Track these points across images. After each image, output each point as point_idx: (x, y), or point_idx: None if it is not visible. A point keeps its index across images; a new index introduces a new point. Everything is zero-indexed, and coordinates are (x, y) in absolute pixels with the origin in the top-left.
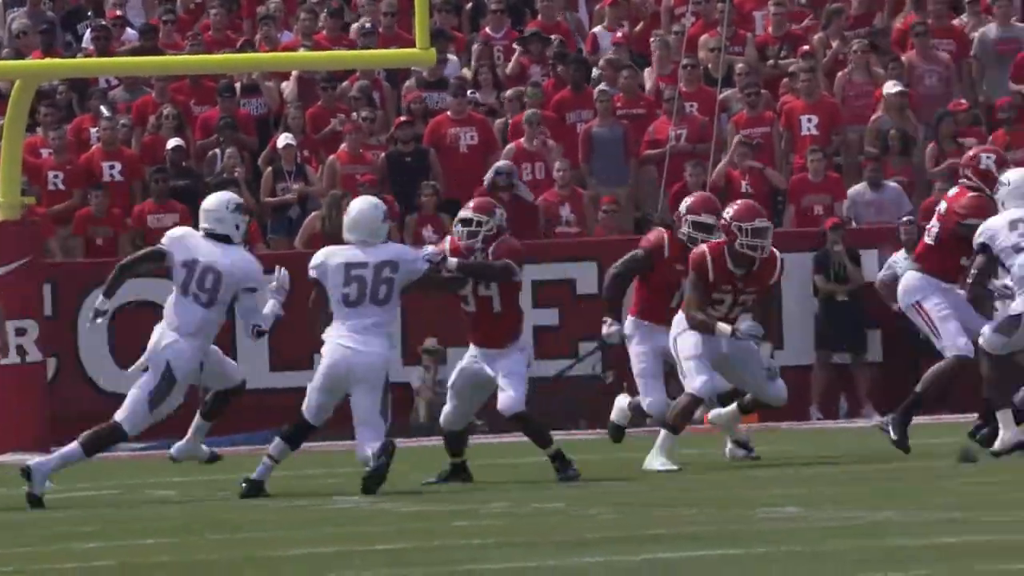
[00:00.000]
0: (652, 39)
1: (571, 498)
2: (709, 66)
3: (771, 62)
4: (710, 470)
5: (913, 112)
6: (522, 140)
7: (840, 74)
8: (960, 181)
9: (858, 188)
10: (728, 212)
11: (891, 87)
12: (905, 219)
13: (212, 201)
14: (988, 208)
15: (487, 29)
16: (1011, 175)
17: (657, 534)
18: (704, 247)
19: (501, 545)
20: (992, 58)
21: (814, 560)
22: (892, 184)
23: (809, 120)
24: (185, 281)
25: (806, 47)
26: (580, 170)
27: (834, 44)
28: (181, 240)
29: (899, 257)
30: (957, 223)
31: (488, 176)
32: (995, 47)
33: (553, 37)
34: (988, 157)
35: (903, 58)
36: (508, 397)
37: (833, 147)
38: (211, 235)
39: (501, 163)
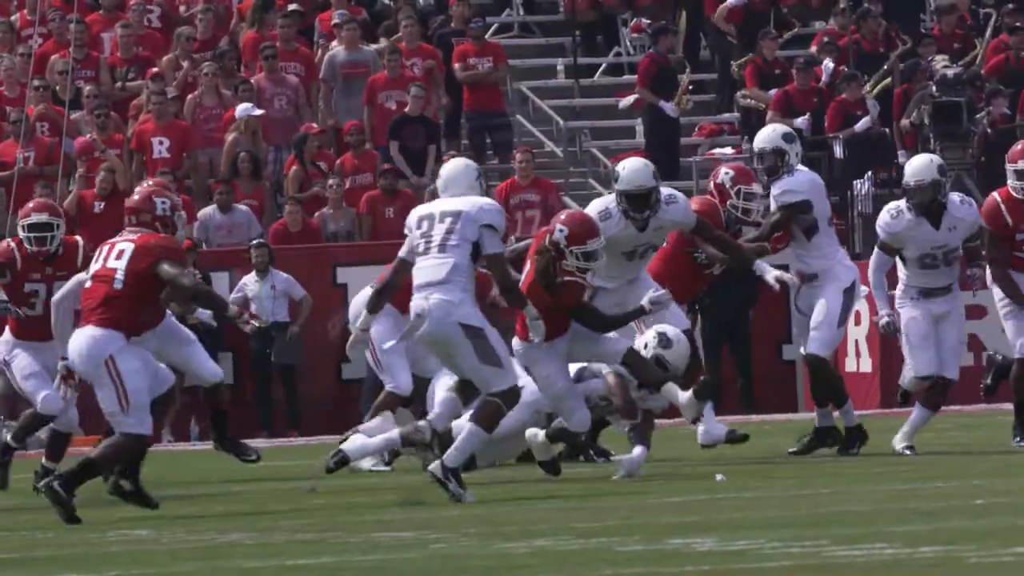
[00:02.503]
0: None
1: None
2: (57, 88)
3: (119, 84)
4: None
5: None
6: None
7: (190, 97)
8: None
9: (208, 210)
10: None
11: (245, 110)
12: (255, 242)
13: None
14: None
15: None
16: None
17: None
18: None
19: None
20: (340, 81)
21: None
22: (242, 207)
23: (160, 143)
24: None
25: (155, 69)
26: None
27: (184, 66)
28: None
29: (249, 280)
30: None
31: None
32: (343, 70)
33: None
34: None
35: (252, 81)
36: None
37: (184, 170)
38: None
39: None
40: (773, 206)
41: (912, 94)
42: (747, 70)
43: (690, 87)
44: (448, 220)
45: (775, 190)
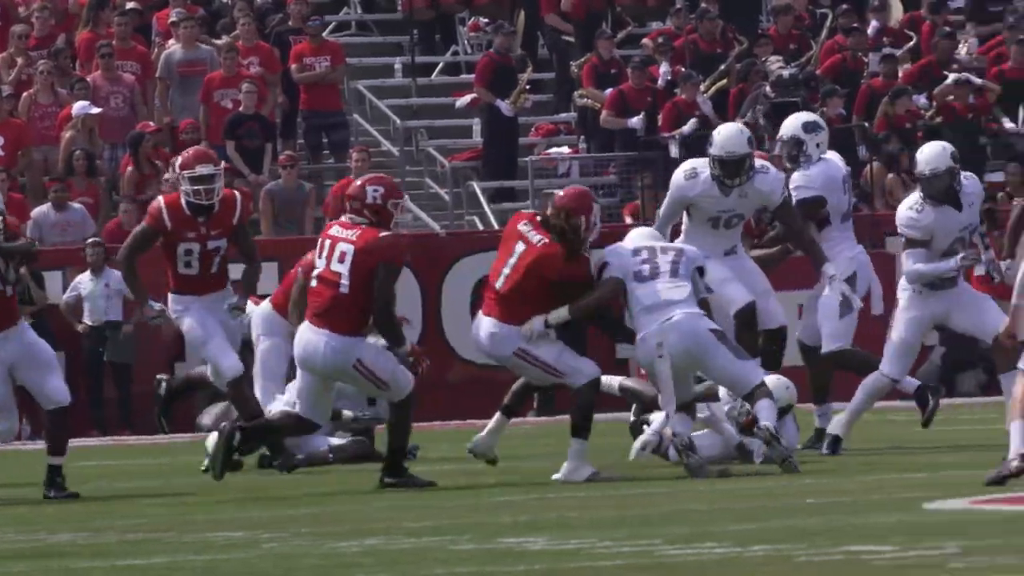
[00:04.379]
0: None
1: None
2: None
3: None
4: None
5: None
6: None
7: (25, 95)
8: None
9: (42, 209)
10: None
11: (82, 108)
12: (90, 240)
13: None
14: None
15: None
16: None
17: None
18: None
19: None
20: (176, 80)
21: None
22: (77, 206)
23: None
24: None
25: None
26: None
27: (19, 63)
28: None
29: (84, 279)
30: None
31: None
32: (180, 69)
33: None
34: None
35: (88, 79)
36: None
37: (18, 168)
38: None
39: None
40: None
41: (748, 94)
42: (584, 70)
43: (527, 87)
44: (672, 253)
45: (791, 182)
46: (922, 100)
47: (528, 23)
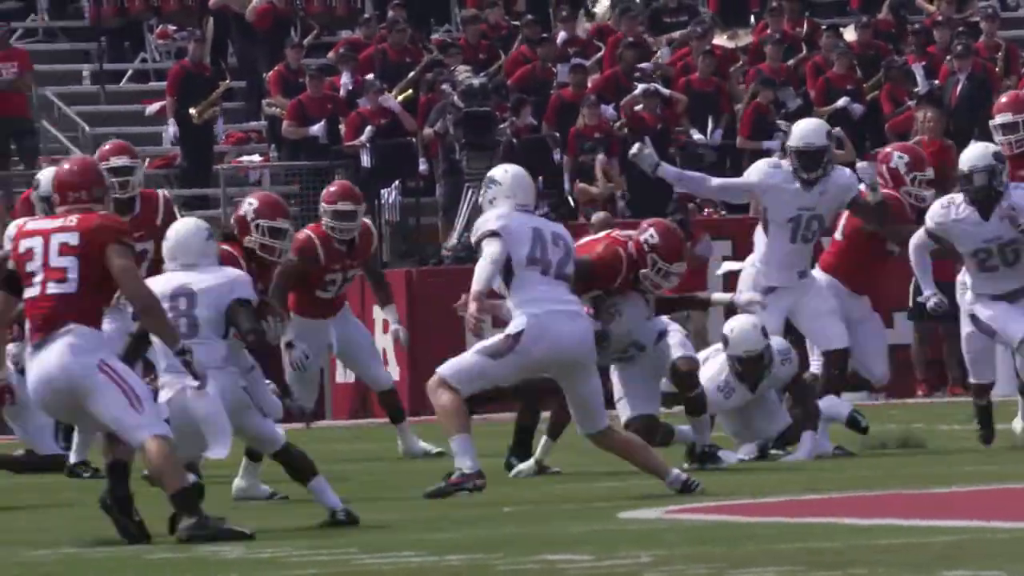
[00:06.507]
0: None
1: None
2: None
3: None
4: None
5: None
6: None
7: None
8: None
9: None
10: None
11: None
12: None
13: None
14: None
15: None
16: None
17: None
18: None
19: None
20: None
21: None
22: None
23: None
24: None
25: None
26: None
27: None
28: None
29: None
30: None
31: None
32: None
33: None
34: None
35: None
36: None
37: None
38: None
39: None
40: None
41: (436, 103)
42: (272, 78)
43: (220, 96)
44: None
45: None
46: (610, 111)
47: (217, 30)
